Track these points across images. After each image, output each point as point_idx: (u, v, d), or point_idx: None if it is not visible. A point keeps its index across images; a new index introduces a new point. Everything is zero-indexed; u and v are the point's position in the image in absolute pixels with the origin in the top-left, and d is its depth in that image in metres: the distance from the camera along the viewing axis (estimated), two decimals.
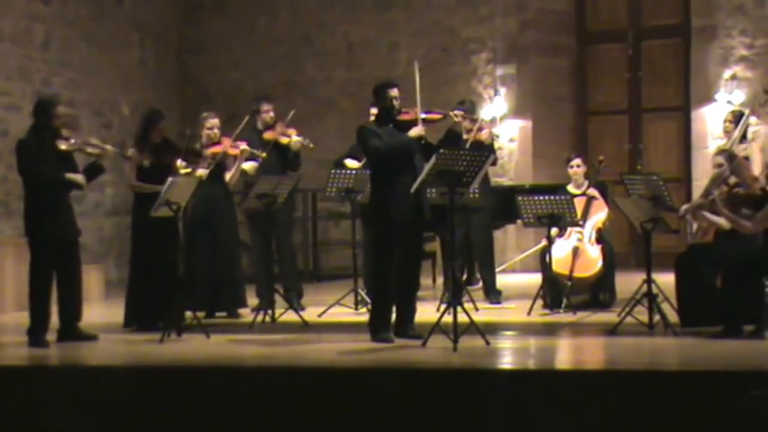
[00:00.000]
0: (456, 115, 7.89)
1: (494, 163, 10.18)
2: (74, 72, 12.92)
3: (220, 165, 9.42)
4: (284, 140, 9.78)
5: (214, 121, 9.52)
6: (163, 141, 8.99)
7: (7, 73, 12.03)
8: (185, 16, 14.94)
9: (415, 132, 7.76)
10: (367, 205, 8.53)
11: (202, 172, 9.27)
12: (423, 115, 7.84)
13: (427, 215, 7.87)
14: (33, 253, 8.23)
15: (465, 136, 9.78)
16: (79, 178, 8.32)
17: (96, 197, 12.86)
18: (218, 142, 9.46)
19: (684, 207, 8.44)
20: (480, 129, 9.80)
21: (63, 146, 8.21)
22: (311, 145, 9.82)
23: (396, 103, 7.89)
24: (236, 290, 9.54)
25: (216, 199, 9.45)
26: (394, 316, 7.90)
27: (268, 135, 9.79)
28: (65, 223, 8.28)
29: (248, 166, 9.59)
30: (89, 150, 8.39)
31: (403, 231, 7.76)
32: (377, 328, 7.80)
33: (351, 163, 9.86)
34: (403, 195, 7.71)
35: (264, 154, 9.56)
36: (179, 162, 9.01)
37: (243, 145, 9.47)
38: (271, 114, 9.92)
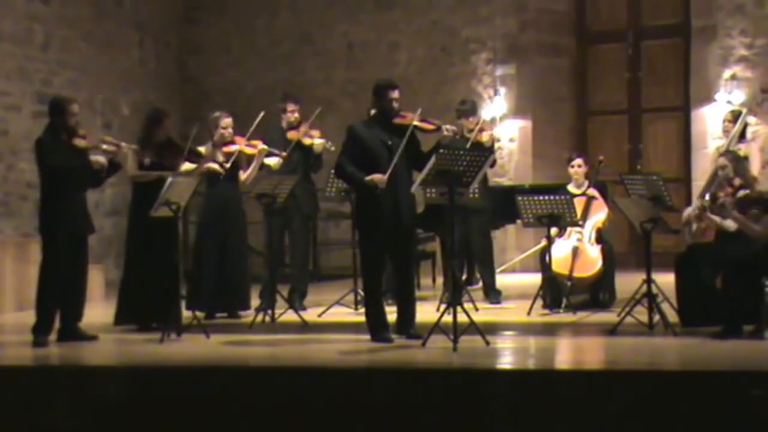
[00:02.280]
0: (447, 130, 7.96)
1: (492, 165, 10.19)
2: (74, 72, 12.91)
3: (235, 164, 9.40)
4: (307, 141, 9.79)
5: (228, 121, 9.48)
6: (166, 140, 8.98)
7: (7, 73, 12.02)
8: (185, 16, 14.94)
9: (371, 178, 7.68)
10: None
11: (212, 165, 9.23)
12: (417, 122, 7.85)
13: (406, 219, 7.84)
14: (46, 251, 8.20)
15: (466, 135, 9.78)
16: (101, 158, 8.33)
17: (96, 197, 12.82)
18: (232, 142, 9.44)
19: (687, 213, 8.41)
20: (481, 130, 9.80)
21: (79, 143, 8.23)
22: (333, 148, 9.79)
23: (395, 105, 7.90)
24: (242, 292, 9.52)
25: (228, 199, 9.43)
26: (394, 316, 7.91)
27: (291, 135, 9.80)
28: (81, 218, 8.30)
29: (273, 161, 9.57)
30: (104, 147, 8.40)
31: (386, 233, 7.75)
32: (374, 328, 7.81)
33: None
34: (383, 198, 7.70)
35: (284, 154, 9.55)
36: (185, 165, 8.97)
37: (260, 144, 9.47)
38: (296, 114, 9.92)
